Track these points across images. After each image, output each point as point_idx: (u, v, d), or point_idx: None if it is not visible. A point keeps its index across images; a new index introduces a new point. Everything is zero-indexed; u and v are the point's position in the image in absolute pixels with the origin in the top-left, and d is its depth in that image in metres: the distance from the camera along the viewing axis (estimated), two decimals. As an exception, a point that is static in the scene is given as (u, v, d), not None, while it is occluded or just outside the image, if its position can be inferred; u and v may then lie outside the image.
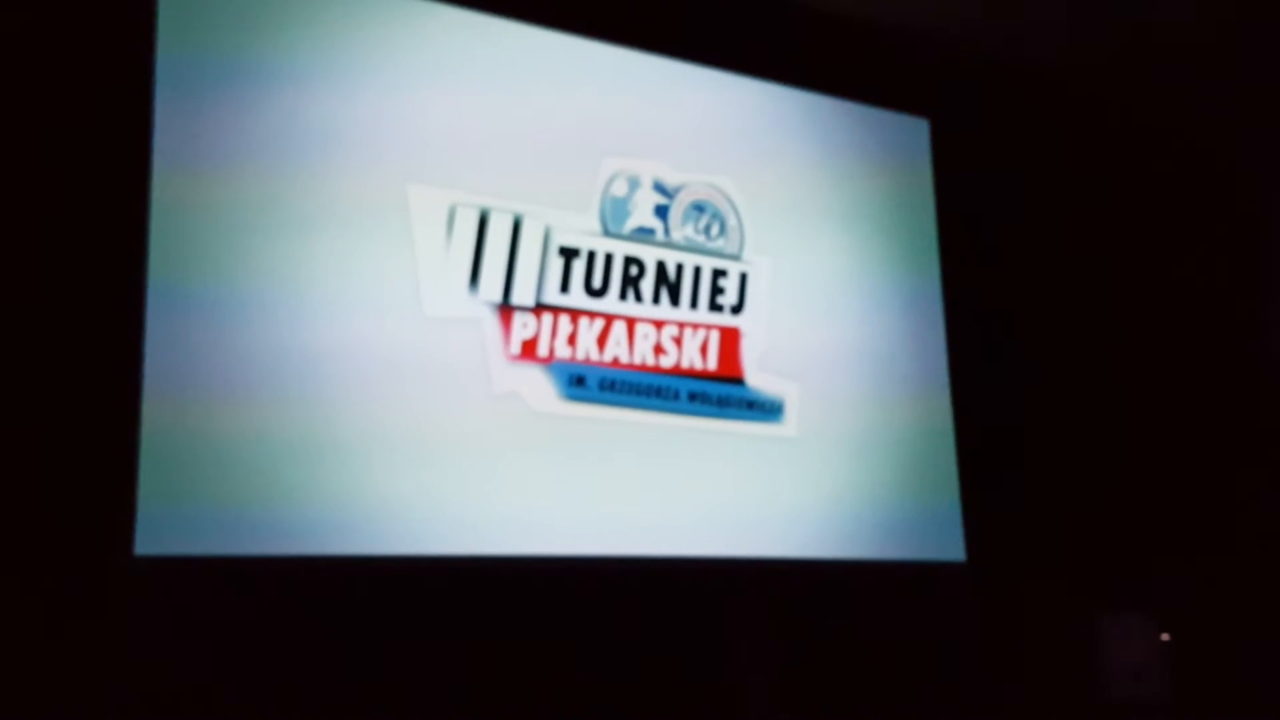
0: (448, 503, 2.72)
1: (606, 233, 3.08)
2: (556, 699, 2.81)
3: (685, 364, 3.12)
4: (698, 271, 3.19)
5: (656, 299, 3.11)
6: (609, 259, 3.06)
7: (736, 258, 3.26)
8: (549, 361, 2.93)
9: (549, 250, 2.97)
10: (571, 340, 2.96)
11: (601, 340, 3.01)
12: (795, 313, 3.32)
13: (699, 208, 3.23)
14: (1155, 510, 3.84)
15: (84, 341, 2.47)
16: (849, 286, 3.45)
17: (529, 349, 2.90)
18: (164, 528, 2.41)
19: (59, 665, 2.35)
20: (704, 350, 3.16)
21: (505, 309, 2.89)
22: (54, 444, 2.43)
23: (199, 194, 2.57)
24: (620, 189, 3.12)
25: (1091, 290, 4.03)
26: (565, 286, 2.98)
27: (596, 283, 3.03)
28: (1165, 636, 3.54)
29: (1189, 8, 3.51)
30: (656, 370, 3.08)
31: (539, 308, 2.94)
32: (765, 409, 3.21)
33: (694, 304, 3.17)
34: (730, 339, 3.21)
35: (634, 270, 3.09)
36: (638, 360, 3.05)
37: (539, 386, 2.89)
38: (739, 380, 3.20)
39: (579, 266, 3.01)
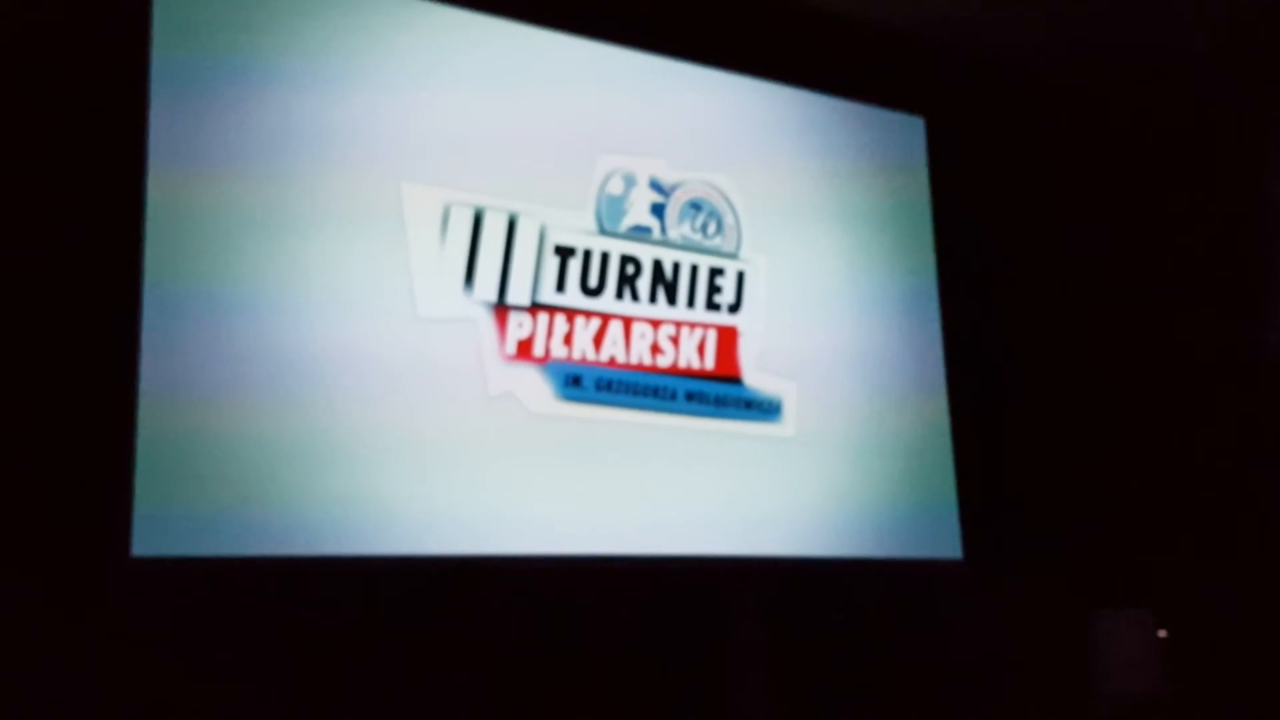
0: (443, 503, 2.71)
1: (602, 231, 3.07)
2: (554, 699, 2.82)
3: (682, 363, 3.12)
4: (694, 270, 3.18)
5: (653, 298, 3.11)
6: (605, 258, 3.05)
7: (734, 256, 3.26)
8: (545, 361, 2.92)
9: (544, 249, 2.96)
10: (567, 340, 2.96)
11: (598, 340, 3.00)
12: (792, 312, 3.31)
13: (695, 206, 3.22)
14: (1151, 507, 3.85)
15: (79, 342, 2.47)
16: (846, 285, 3.44)
17: (524, 349, 2.90)
18: (161, 528, 2.41)
19: (57, 665, 2.35)
20: (701, 349, 3.15)
21: (500, 309, 2.88)
22: (50, 445, 2.43)
23: (194, 194, 2.56)
24: (616, 187, 3.11)
25: (1087, 288, 4.03)
26: (561, 286, 2.97)
27: (593, 282, 3.02)
28: (1162, 633, 3.55)
29: (1186, 6, 3.51)
30: (653, 370, 3.07)
31: (534, 307, 2.93)
32: (763, 408, 3.21)
33: (691, 303, 3.16)
34: (727, 338, 3.20)
35: (630, 269, 3.09)
36: (634, 360, 3.05)
37: (535, 387, 2.89)
38: (736, 380, 3.19)
39: (575, 265, 3.00)
